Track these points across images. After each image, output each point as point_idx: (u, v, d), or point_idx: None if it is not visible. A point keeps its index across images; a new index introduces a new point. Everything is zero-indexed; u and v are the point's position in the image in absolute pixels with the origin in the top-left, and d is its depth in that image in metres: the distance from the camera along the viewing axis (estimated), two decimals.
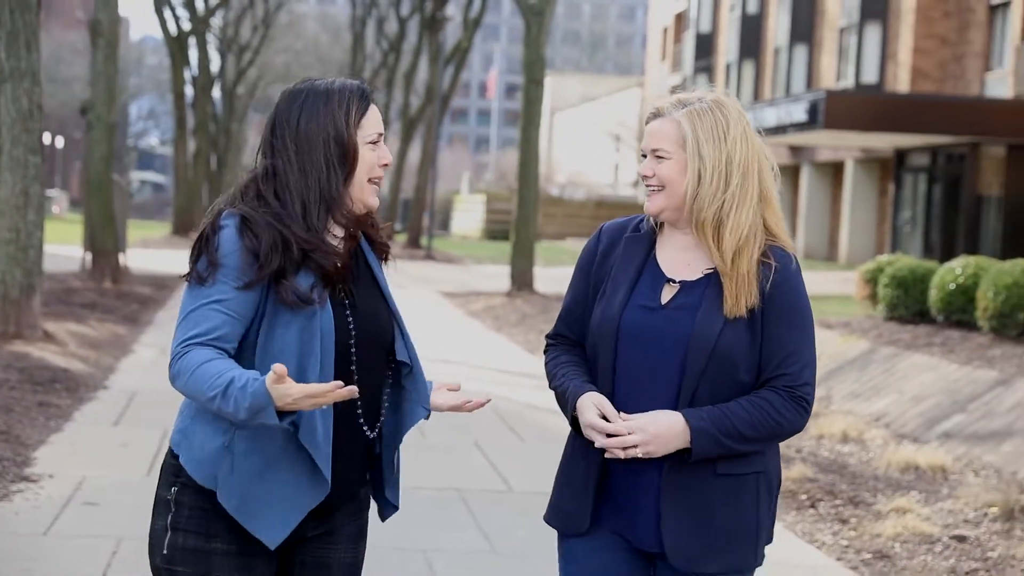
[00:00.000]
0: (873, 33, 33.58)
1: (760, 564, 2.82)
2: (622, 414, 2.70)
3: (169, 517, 2.62)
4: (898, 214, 30.62)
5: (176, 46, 34.08)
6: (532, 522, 6.41)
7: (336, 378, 2.60)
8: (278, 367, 2.37)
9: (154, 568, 2.67)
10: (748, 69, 42.41)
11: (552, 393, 2.87)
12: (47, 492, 6.47)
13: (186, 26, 37.11)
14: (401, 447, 2.82)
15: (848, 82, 34.13)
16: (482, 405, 2.78)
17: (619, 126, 51.19)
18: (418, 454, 7.19)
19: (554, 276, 22.13)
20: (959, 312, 11.39)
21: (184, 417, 2.65)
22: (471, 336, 15.40)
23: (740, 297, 2.69)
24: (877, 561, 6.15)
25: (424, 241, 35.27)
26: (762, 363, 2.72)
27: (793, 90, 37.60)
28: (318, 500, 2.61)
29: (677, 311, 2.72)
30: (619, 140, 56.33)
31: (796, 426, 2.70)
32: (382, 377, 2.74)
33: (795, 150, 37.66)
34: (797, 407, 2.70)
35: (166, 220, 62.78)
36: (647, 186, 2.76)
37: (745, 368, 2.71)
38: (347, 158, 2.63)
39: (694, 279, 2.75)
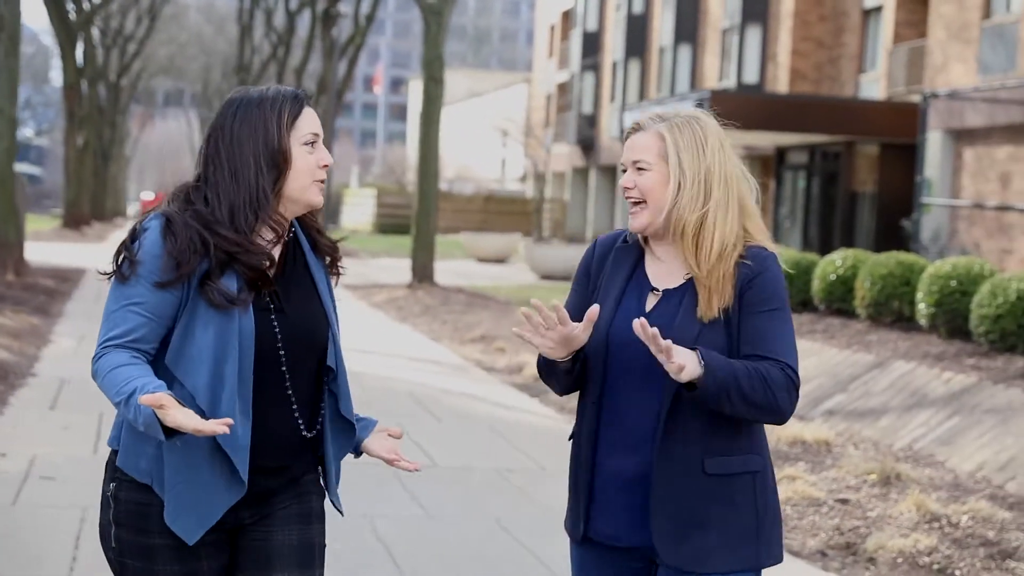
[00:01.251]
0: (754, 35, 34.71)
1: (770, 564, 2.81)
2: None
3: (111, 512, 2.68)
4: (778, 209, 31.77)
5: (66, 38, 33.82)
6: (458, 491, 7.02)
7: (266, 379, 2.66)
8: (157, 398, 2.38)
9: (108, 560, 2.72)
10: (634, 68, 43.39)
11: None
12: (3, 468, 6.88)
13: (74, 17, 36.77)
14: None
15: (730, 82, 35.23)
16: (416, 469, 2.78)
17: (506, 121, 51.84)
18: None
19: (451, 269, 22.63)
20: (839, 301, 12.26)
21: (119, 415, 2.68)
22: (377, 326, 15.90)
23: (713, 300, 2.73)
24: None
25: None
26: (743, 353, 2.73)
27: (678, 89, 38.66)
28: (234, 500, 2.64)
29: (659, 319, 2.74)
30: (506, 135, 56.96)
31: (784, 407, 2.69)
32: (314, 380, 2.77)
33: None
34: (789, 384, 2.69)
35: (44, 213, 61.81)
36: (628, 199, 2.82)
37: None
38: (277, 161, 2.65)
39: (675, 286, 2.80)
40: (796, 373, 2.71)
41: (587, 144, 48.30)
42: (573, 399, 10.74)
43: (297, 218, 2.76)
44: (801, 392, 10.22)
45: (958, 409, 8.77)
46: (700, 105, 28.20)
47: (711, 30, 38.08)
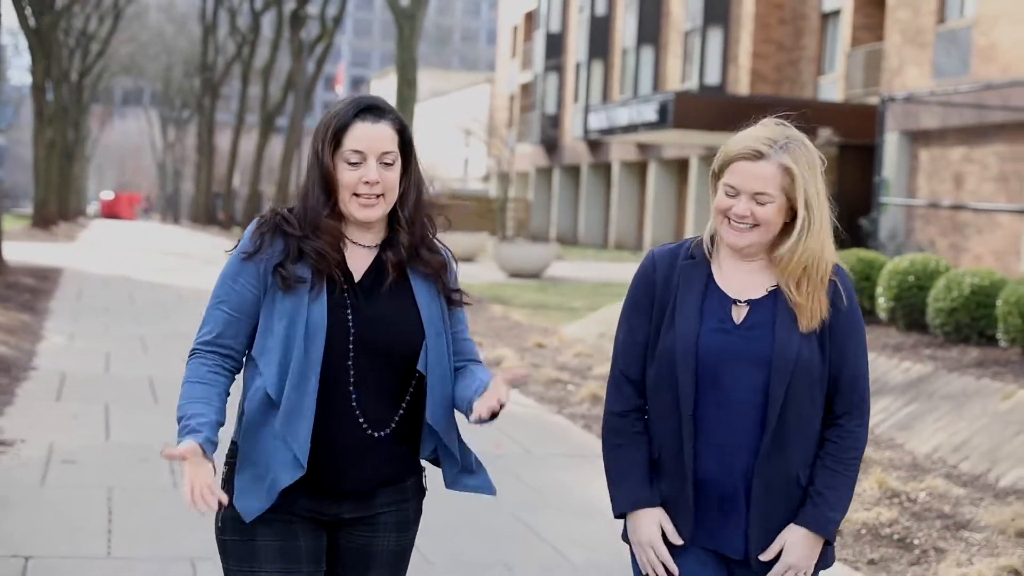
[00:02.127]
0: (715, 37, 35.37)
1: (831, 564, 2.92)
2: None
3: (224, 487, 2.84)
4: None
5: (36, 40, 33.97)
6: None
7: (333, 373, 2.78)
8: (181, 453, 2.63)
9: (216, 539, 2.88)
10: (597, 69, 43.96)
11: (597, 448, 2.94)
12: (26, 453, 7.31)
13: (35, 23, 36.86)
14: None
15: (692, 83, 35.85)
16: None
17: (469, 121, 52.20)
18: None
19: None
20: None
21: (240, 411, 2.90)
22: None
23: (815, 315, 2.77)
24: None
25: None
26: (836, 381, 2.81)
27: (641, 90, 39.24)
28: (292, 479, 2.76)
29: (753, 330, 2.77)
30: (469, 135, 57.33)
31: (865, 443, 2.86)
32: (391, 382, 2.83)
33: (643, 147, 39.32)
34: (865, 425, 2.83)
35: (5, 213, 61.67)
36: (737, 225, 2.77)
37: (820, 379, 2.80)
38: (324, 178, 2.80)
39: (759, 297, 2.80)
40: (867, 402, 2.84)
41: (550, 144, 48.81)
42: (556, 388, 11.15)
43: (407, 229, 2.85)
44: None
45: (916, 396, 9.36)
46: (665, 106, 28.82)
47: (673, 32, 38.69)
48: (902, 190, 24.78)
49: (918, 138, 24.63)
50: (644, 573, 2.84)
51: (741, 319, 2.78)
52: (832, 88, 30.93)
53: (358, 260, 2.83)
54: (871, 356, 10.41)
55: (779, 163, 2.73)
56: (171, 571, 5.29)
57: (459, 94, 66.37)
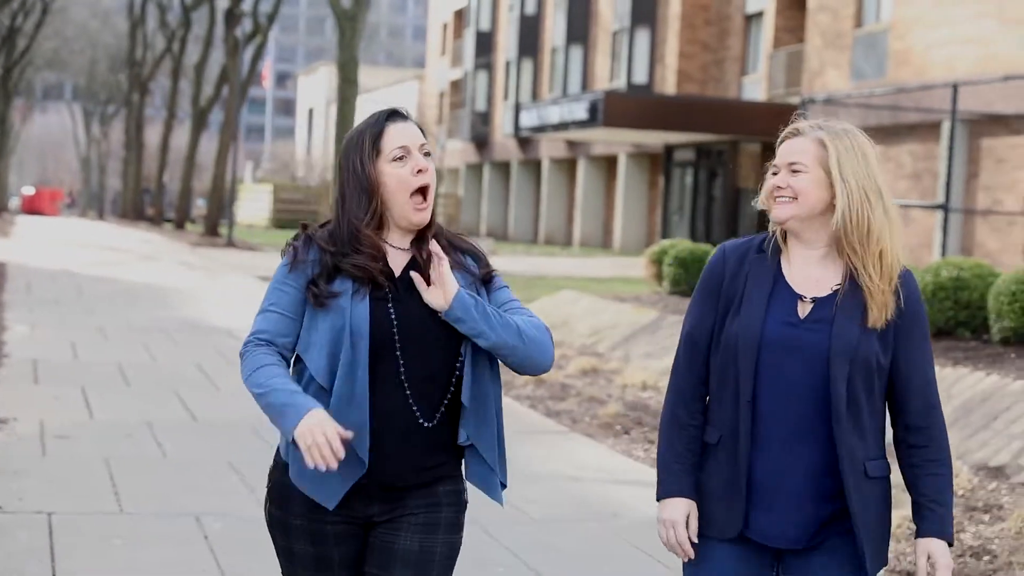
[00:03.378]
0: (643, 37, 36.24)
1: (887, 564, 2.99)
2: None
3: (268, 490, 3.01)
4: (667, 204, 33.36)
5: None
6: None
7: (383, 365, 2.87)
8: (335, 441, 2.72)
9: (267, 527, 3.04)
10: (527, 67, 44.69)
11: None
12: (21, 430, 7.88)
13: None
14: None
15: (620, 82, 36.72)
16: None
17: None
18: None
19: None
20: None
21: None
22: None
23: (883, 311, 2.84)
24: None
25: (224, 230, 36.16)
26: (912, 373, 2.88)
27: (570, 88, 40.05)
28: (356, 476, 2.85)
29: (815, 324, 2.83)
30: None
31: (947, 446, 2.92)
32: (439, 370, 2.91)
33: (572, 145, 40.12)
34: (943, 425, 2.92)
35: None
36: (778, 197, 2.86)
37: (879, 372, 2.85)
38: (367, 187, 2.89)
39: (824, 295, 2.87)
40: (939, 403, 2.92)
41: (481, 141, 49.47)
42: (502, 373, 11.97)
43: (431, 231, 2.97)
44: None
45: None
46: (595, 105, 29.64)
47: (601, 32, 39.54)
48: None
49: None
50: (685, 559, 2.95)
51: (806, 314, 2.85)
52: (755, 88, 31.93)
53: (396, 260, 2.93)
54: None
55: (814, 137, 2.85)
56: (178, 524, 5.94)
57: (387, 90, 66.71)
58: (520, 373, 2.96)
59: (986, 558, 6.07)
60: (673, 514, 2.91)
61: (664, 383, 11.18)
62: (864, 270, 2.83)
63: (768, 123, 28.51)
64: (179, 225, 44.16)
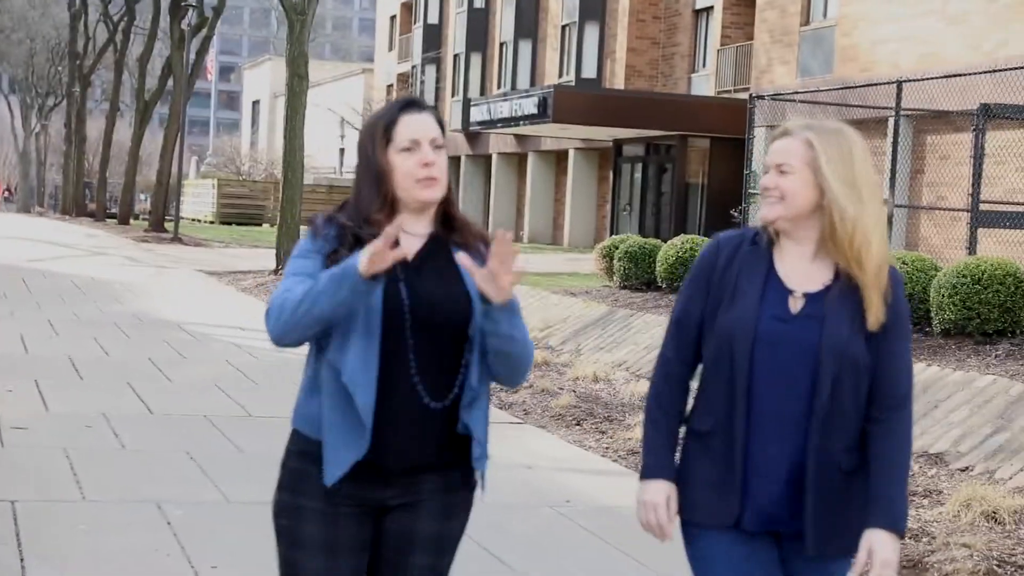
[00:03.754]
0: (592, 32, 36.43)
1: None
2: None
3: (279, 480, 3.02)
4: (616, 199, 33.59)
5: None
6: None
7: (392, 342, 2.90)
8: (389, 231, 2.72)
9: (273, 522, 3.03)
10: (476, 61, 44.76)
11: None
12: None
13: None
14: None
15: (570, 77, 36.89)
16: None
17: (345, 112, 52.58)
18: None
19: None
20: (679, 280, 13.90)
21: (299, 391, 3.04)
22: (253, 310, 16.93)
23: (880, 310, 2.89)
24: (630, 456, 8.32)
25: (170, 225, 35.98)
26: (886, 370, 2.92)
27: (519, 83, 40.17)
28: (360, 452, 2.87)
29: (806, 320, 2.88)
30: (344, 126, 57.60)
31: (911, 435, 2.99)
32: (447, 353, 2.94)
33: (521, 139, 40.24)
34: (910, 418, 2.97)
35: None
36: (766, 198, 2.90)
37: (865, 370, 2.90)
38: (377, 174, 2.95)
39: (816, 291, 2.91)
40: (911, 393, 2.97)
41: None
42: None
43: (446, 216, 3.03)
44: (648, 357, 11.78)
45: None
46: (545, 100, 29.78)
47: (550, 26, 39.68)
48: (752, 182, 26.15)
49: None
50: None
51: (798, 309, 2.90)
52: (704, 84, 32.22)
53: (409, 244, 2.95)
54: None
55: (802, 138, 2.87)
56: (141, 511, 6.02)
57: (333, 84, 66.52)
58: (500, 382, 2.99)
59: (925, 539, 6.28)
60: (655, 496, 2.95)
61: (615, 376, 11.36)
62: (850, 269, 2.87)
63: (717, 119, 28.93)
64: (123, 220, 43.80)
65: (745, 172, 22.20)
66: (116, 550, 5.44)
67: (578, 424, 9.33)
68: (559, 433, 9.01)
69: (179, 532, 5.72)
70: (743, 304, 2.89)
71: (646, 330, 12.66)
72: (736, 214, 26.24)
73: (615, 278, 15.24)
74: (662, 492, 2.95)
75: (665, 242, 14.90)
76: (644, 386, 10.48)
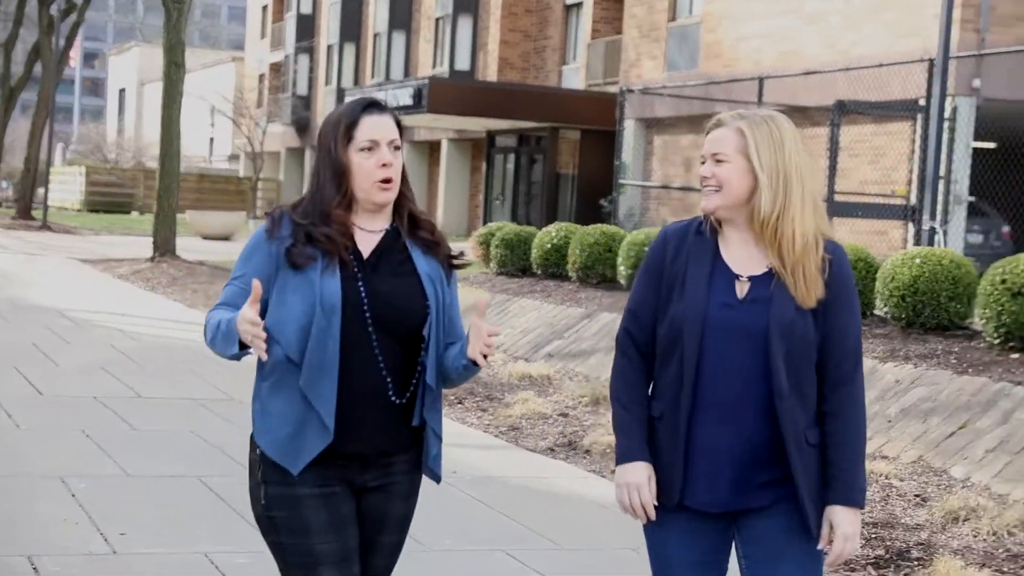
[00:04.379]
0: (465, 24, 36.79)
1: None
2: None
3: (259, 473, 3.05)
4: (489, 189, 34.06)
5: None
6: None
7: (354, 341, 2.99)
8: (254, 283, 2.86)
9: (257, 517, 3.08)
10: (349, 52, 44.79)
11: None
12: None
13: None
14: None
15: (443, 69, 37.22)
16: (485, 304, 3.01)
17: (216, 100, 52.11)
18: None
19: (180, 245, 23.25)
20: (554, 266, 14.42)
21: (254, 399, 3.13)
22: (131, 296, 17.00)
23: (810, 291, 2.93)
24: (511, 431, 8.78)
25: (38, 212, 35.39)
26: (832, 346, 2.97)
27: (393, 74, 40.36)
28: (323, 445, 2.97)
29: (753, 304, 2.94)
30: (215, 114, 57.01)
31: (864, 405, 3.04)
32: (407, 351, 3.04)
33: None
34: (861, 388, 3.03)
35: None
36: (705, 187, 2.99)
37: (816, 347, 2.96)
38: (338, 171, 3.03)
39: (760, 273, 2.98)
40: (861, 365, 3.02)
41: (302, 125, 49.36)
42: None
43: (403, 211, 3.12)
44: (525, 340, 12.26)
45: None
46: (419, 91, 30.10)
47: (424, 18, 39.94)
48: (638, 173, 26.81)
49: (652, 126, 26.71)
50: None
51: (744, 294, 2.97)
52: (575, 77, 32.85)
53: (365, 243, 3.07)
54: (612, 315, 12.02)
55: (735, 127, 2.96)
56: (45, 484, 6.28)
57: (203, 72, 65.71)
58: (446, 386, 3.19)
59: None
60: (638, 477, 2.99)
61: (493, 358, 11.79)
62: (780, 252, 2.93)
63: (587, 111, 29.57)
64: None
65: (616, 163, 22.87)
66: (25, 519, 5.70)
67: (460, 403, 9.75)
68: (443, 412, 9.42)
69: (84, 503, 5.99)
70: (691, 293, 2.96)
71: (522, 314, 13.15)
72: (606, 204, 26.96)
73: (492, 264, 15.71)
74: (643, 472, 3.00)
75: (539, 230, 15.40)
76: (522, 367, 10.96)
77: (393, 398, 3.04)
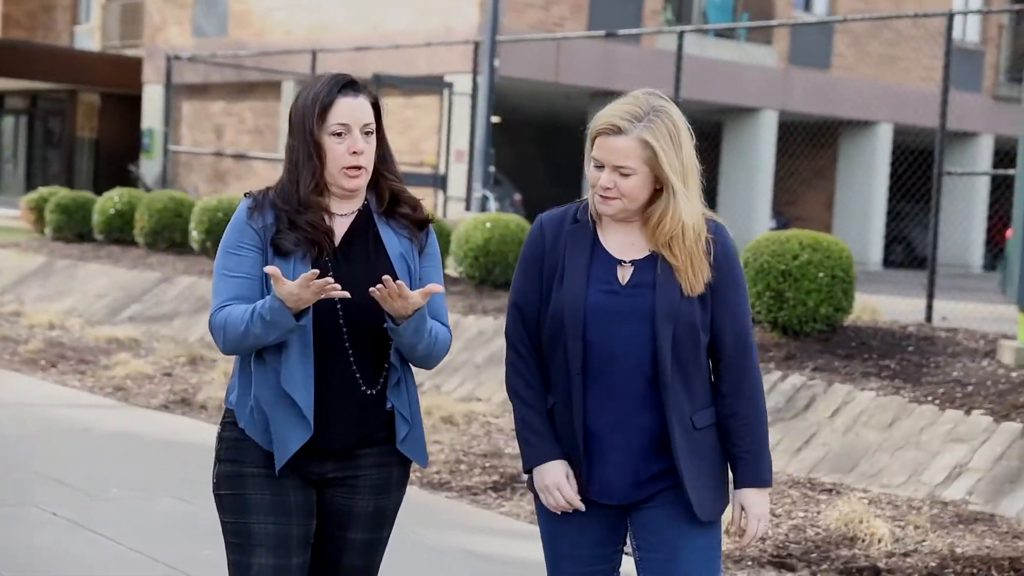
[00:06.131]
0: None
1: (726, 506, 3.01)
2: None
3: (217, 452, 3.01)
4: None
5: None
6: None
7: (325, 331, 2.91)
8: (270, 269, 2.77)
9: (214, 495, 3.02)
10: None
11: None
12: None
13: None
14: None
15: None
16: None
17: None
18: None
19: None
20: (119, 232, 14.41)
21: (232, 377, 3.04)
22: None
23: (698, 277, 2.88)
24: (118, 391, 8.99)
25: None
26: (722, 327, 2.92)
27: None
28: (304, 439, 2.90)
29: (637, 289, 2.88)
30: None
31: (761, 381, 2.99)
32: (378, 338, 2.94)
33: None
34: (756, 366, 2.97)
35: None
36: (604, 196, 2.86)
37: (703, 328, 2.90)
38: (312, 152, 2.91)
39: (643, 257, 2.91)
40: (752, 341, 2.98)
41: None
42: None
43: (384, 191, 3.03)
44: (101, 304, 12.30)
45: None
46: None
47: None
48: (167, 139, 26.65)
49: (181, 92, 26.56)
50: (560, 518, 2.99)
51: (627, 279, 2.90)
52: (88, 38, 31.88)
53: (337, 228, 2.99)
54: (190, 279, 12.33)
55: (638, 137, 2.82)
56: None
57: None
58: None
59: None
60: (555, 477, 2.93)
61: (70, 323, 11.79)
62: (671, 245, 2.87)
63: (107, 74, 28.90)
64: None
65: (143, 128, 22.72)
66: None
67: (53, 366, 9.78)
68: (37, 376, 9.44)
69: None
70: (570, 281, 2.90)
71: (92, 279, 13.11)
72: (133, 169, 26.59)
73: (47, 230, 15.37)
74: (560, 470, 2.94)
75: (98, 196, 15.27)
76: (108, 331, 11.07)
77: (364, 388, 2.97)
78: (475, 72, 14.57)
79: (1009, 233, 15.87)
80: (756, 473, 2.95)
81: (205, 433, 7.79)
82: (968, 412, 6.86)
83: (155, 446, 7.37)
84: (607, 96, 26.35)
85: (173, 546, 5.36)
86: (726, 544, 5.12)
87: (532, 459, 2.97)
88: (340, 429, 2.95)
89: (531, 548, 5.76)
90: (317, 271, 2.77)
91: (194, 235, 13.18)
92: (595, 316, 2.87)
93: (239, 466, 2.96)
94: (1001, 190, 24.99)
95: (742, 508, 2.96)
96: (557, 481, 2.93)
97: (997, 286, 14.75)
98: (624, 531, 3.02)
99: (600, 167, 2.87)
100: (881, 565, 5.47)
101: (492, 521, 6.16)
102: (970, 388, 7.27)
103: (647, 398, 2.89)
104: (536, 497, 2.99)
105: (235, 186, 24.74)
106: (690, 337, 2.88)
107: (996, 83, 27.50)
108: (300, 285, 2.75)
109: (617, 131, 2.84)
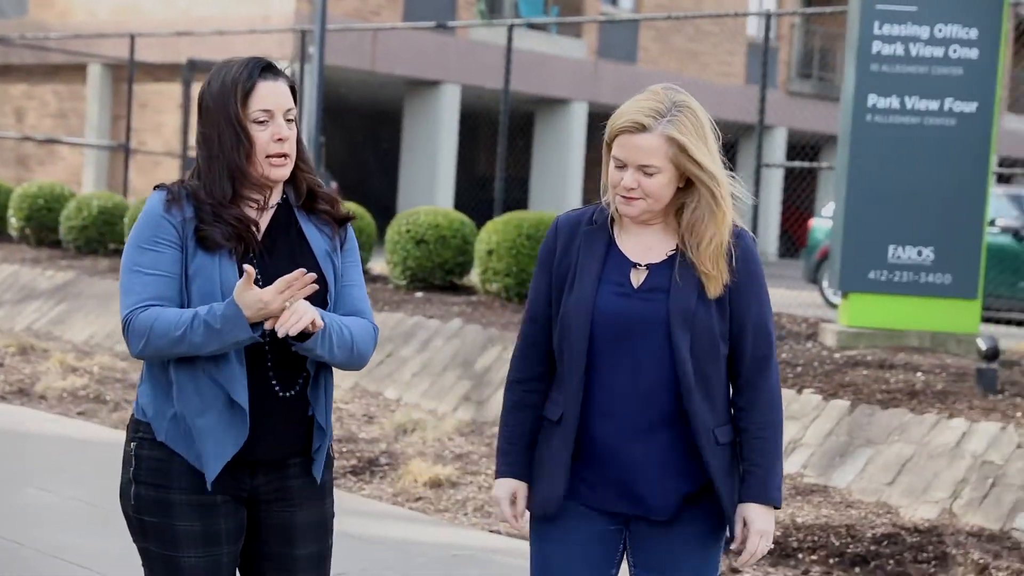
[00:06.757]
0: None
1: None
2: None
3: (131, 470, 2.78)
4: None
5: None
6: None
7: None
8: (247, 267, 2.59)
9: (126, 516, 2.81)
10: None
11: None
12: None
13: None
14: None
15: None
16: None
17: None
18: None
19: None
20: None
21: (142, 383, 2.81)
22: None
23: (719, 282, 2.76)
24: None
25: None
26: (741, 335, 2.80)
27: None
28: (241, 440, 2.71)
29: (651, 293, 2.76)
30: None
31: (780, 394, 2.87)
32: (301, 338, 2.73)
33: None
34: (776, 378, 2.85)
35: None
36: (627, 197, 2.75)
37: (722, 336, 2.78)
38: (240, 138, 2.71)
39: (659, 261, 2.79)
40: (773, 353, 2.85)
41: None
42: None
43: (301, 184, 2.86)
44: None
45: (64, 298, 11.22)
46: None
47: None
48: None
49: None
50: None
51: (640, 283, 2.78)
52: None
53: (259, 221, 2.83)
54: (13, 268, 12.02)
55: (663, 134, 2.70)
56: None
57: None
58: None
59: None
60: (499, 492, 2.93)
61: None
62: (698, 249, 2.76)
63: None
64: None
65: None
66: None
67: None
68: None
69: None
70: (579, 287, 2.79)
71: None
72: None
73: None
74: (506, 489, 2.91)
75: None
76: None
77: (279, 391, 2.79)
78: (302, 60, 14.55)
79: (811, 223, 16.81)
80: (764, 489, 2.81)
81: (54, 425, 7.70)
82: (800, 391, 7.33)
83: (4, 437, 7.26)
84: (423, 85, 26.58)
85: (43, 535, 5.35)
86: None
87: (499, 470, 2.95)
88: (267, 438, 2.78)
89: (400, 528, 5.96)
90: (303, 270, 2.62)
91: (12, 222, 12.85)
92: (606, 320, 2.76)
93: (165, 492, 2.75)
94: (797, 182, 26.22)
95: (744, 523, 2.82)
96: (499, 496, 2.93)
97: (801, 274, 15.57)
98: (623, 547, 2.90)
99: (621, 167, 2.74)
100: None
101: (358, 504, 6.30)
102: (799, 369, 7.76)
103: (661, 411, 2.78)
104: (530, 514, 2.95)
105: (39, 172, 23.99)
106: (708, 346, 2.76)
107: (788, 78, 28.78)
108: (275, 291, 2.59)
109: (641, 128, 2.71)
